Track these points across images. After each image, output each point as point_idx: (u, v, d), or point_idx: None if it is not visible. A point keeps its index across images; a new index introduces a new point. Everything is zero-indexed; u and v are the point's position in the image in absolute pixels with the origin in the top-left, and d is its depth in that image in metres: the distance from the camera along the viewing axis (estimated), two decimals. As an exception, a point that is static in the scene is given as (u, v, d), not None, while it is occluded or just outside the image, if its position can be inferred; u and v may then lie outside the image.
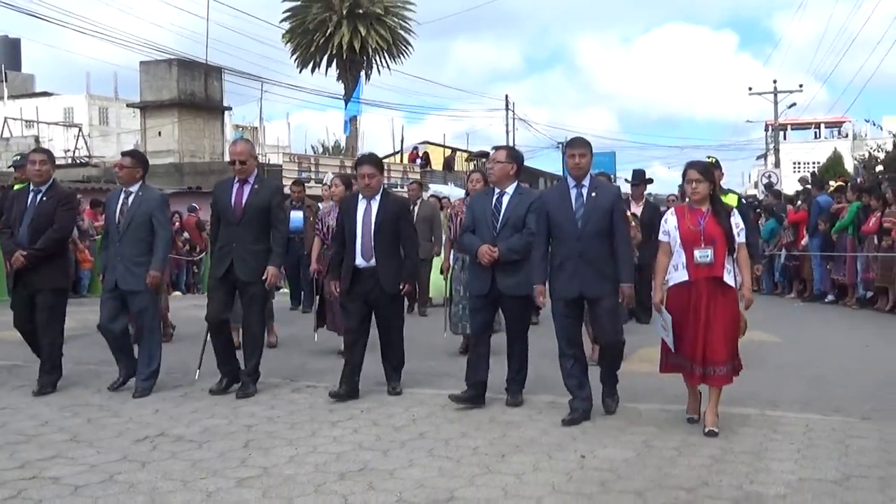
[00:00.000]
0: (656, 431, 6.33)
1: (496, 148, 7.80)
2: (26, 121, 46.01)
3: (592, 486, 5.13)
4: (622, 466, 5.50)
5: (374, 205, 7.57)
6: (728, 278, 6.22)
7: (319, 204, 13.15)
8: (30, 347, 8.11)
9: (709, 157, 8.67)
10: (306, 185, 16.33)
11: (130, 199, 7.75)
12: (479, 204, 7.47)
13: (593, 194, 6.68)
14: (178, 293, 19.95)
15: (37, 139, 34.72)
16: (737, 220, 6.34)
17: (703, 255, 6.18)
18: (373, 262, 7.49)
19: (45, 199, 7.73)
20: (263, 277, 7.56)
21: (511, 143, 52.25)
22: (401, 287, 7.55)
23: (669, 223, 6.44)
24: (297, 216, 12.39)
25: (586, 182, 6.73)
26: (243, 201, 7.65)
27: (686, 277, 6.26)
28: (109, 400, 7.41)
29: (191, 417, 6.84)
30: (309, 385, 8.04)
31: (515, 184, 7.31)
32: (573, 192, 6.73)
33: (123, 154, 8.40)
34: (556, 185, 7.34)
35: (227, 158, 37.80)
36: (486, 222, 7.19)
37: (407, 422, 6.69)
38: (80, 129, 41.83)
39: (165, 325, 10.59)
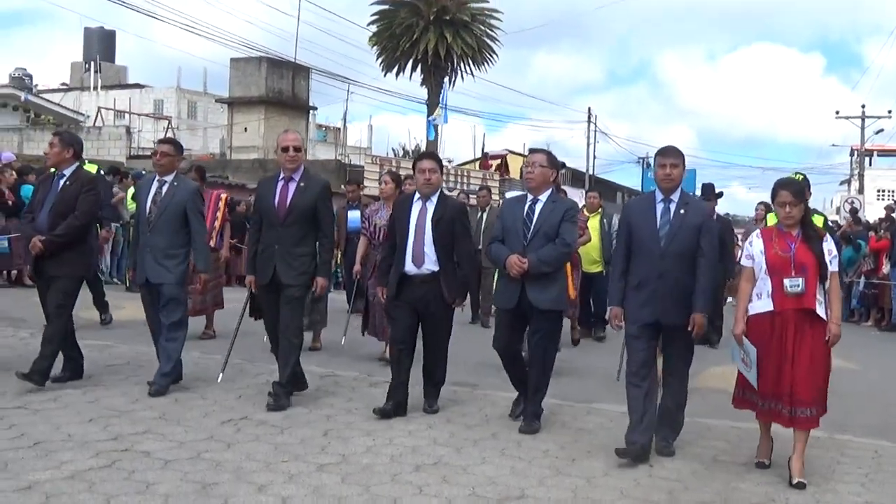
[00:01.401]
0: (726, 447, 6.43)
1: (533, 150, 7.23)
2: (117, 111, 47.35)
3: (660, 495, 5.26)
4: (690, 478, 5.61)
5: (430, 207, 7.05)
6: (820, 310, 5.63)
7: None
8: None
9: (797, 174, 8.19)
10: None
11: (164, 188, 7.47)
12: (509, 211, 6.98)
13: (682, 211, 6.06)
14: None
15: (128, 129, 35.69)
16: (829, 247, 5.79)
17: (793, 284, 5.60)
18: (424, 269, 6.98)
19: (68, 183, 7.39)
20: (313, 289, 7.22)
21: (592, 156, 52.21)
22: (452, 301, 7.09)
23: (755, 247, 5.86)
24: (354, 216, 12.01)
25: (675, 196, 6.12)
26: (287, 201, 7.10)
27: (770, 307, 5.68)
28: (195, 382, 7.69)
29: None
30: (386, 381, 8.25)
31: (550, 191, 6.82)
32: (659, 207, 6.14)
33: (161, 141, 8.12)
34: (643, 196, 6.67)
35: (315, 156, 38.36)
36: (517, 231, 6.70)
37: (480, 421, 6.87)
38: (169, 122, 42.93)
39: (209, 325, 10.50)
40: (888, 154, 67.68)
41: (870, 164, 59.80)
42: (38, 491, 4.78)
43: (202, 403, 6.98)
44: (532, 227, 6.66)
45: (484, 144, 44.92)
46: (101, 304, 11.05)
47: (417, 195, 7.16)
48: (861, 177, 49.41)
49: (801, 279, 5.60)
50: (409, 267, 6.97)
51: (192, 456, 5.57)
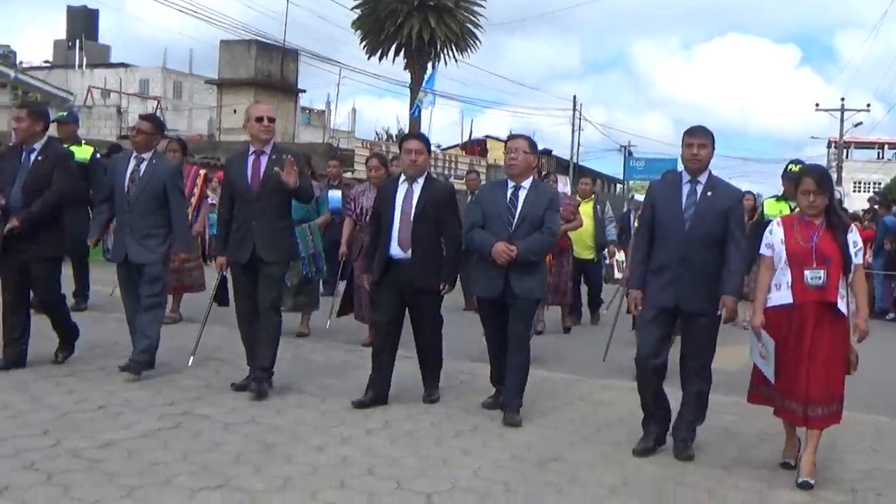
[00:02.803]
0: (737, 420, 6.87)
1: (515, 136, 6.95)
2: (103, 90, 47.33)
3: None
4: (706, 446, 6.05)
5: (417, 189, 6.80)
6: (842, 305, 5.36)
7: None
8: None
9: (794, 164, 8.04)
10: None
11: (143, 166, 7.21)
12: (490, 197, 6.74)
13: (709, 193, 5.80)
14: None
15: (119, 109, 35.80)
16: (854, 238, 5.47)
17: (814, 276, 5.31)
18: (409, 253, 6.72)
19: (40, 159, 7.10)
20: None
21: (577, 144, 52.68)
22: (440, 287, 6.83)
23: (775, 236, 5.55)
24: (335, 196, 11.33)
25: (703, 178, 5.85)
26: (261, 175, 6.81)
27: (790, 300, 5.40)
28: (231, 355, 8.02)
29: (309, 375, 7.58)
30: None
31: (532, 178, 6.68)
32: (685, 188, 5.86)
33: (142, 118, 7.80)
34: (669, 176, 6.57)
35: (300, 139, 38.42)
36: (501, 218, 6.50)
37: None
38: (158, 102, 43.01)
39: (174, 309, 9.86)
40: (865, 147, 68.77)
41: (847, 157, 60.75)
42: (119, 447, 5.20)
43: (240, 375, 7.27)
44: (517, 214, 6.50)
45: (472, 130, 45.17)
46: (82, 294, 10.40)
47: (403, 177, 6.91)
48: (839, 169, 50.22)
49: (822, 271, 5.30)
50: (395, 251, 6.74)
51: (248, 420, 6.00)
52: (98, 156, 10.43)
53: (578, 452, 5.75)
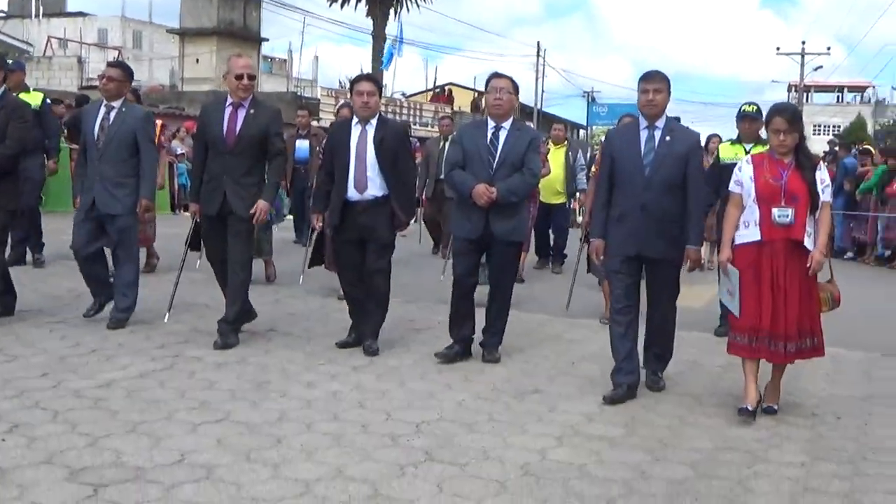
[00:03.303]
0: (700, 353, 7.21)
1: (498, 75, 6.79)
2: (60, 39, 46.72)
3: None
4: (677, 377, 6.39)
5: (370, 130, 6.69)
6: (808, 243, 5.39)
7: None
8: None
9: (749, 105, 7.97)
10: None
11: (112, 114, 7.11)
12: (469, 137, 6.65)
13: (667, 138, 5.77)
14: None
15: (80, 59, 35.42)
16: (822, 175, 5.50)
17: (782, 214, 5.35)
18: (367, 194, 6.66)
19: None
20: (252, 211, 6.68)
21: (541, 90, 52.78)
22: (403, 223, 6.90)
23: (744, 173, 5.55)
24: (302, 146, 11.49)
25: (661, 123, 5.82)
26: (237, 128, 6.68)
27: (758, 237, 5.43)
28: (214, 301, 8.20)
29: (291, 319, 7.83)
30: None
31: (512, 119, 6.61)
32: (643, 135, 5.82)
33: (110, 65, 7.63)
34: (626, 123, 6.58)
35: (262, 88, 38.19)
36: (481, 159, 6.45)
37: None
38: (119, 52, 42.52)
39: (150, 255, 10.02)
40: (825, 90, 69.47)
41: (807, 101, 61.41)
42: (118, 387, 5.43)
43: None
44: (497, 155, 6.44)
45: (436, 77, 45.14)
46: (37, 244, 10.17)
47: (356, 119, 6.78)
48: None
49: (790, 209, 5.34)
50: (352, 193, 6.65)
51: (239, 360, 6.25)
52: (49, 102, 10.28)
53: (556, 386, 6.04)
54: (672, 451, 4.80)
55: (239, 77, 6.70)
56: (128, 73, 7.45)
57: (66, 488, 3.87)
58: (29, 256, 9.94)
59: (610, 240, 5.89)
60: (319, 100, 31.06)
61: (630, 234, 5.76)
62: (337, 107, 10.09)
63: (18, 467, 4.07)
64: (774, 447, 4.96)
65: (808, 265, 5.35)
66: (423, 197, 12.69)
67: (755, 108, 7.88)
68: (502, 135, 6.49)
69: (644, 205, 5.71)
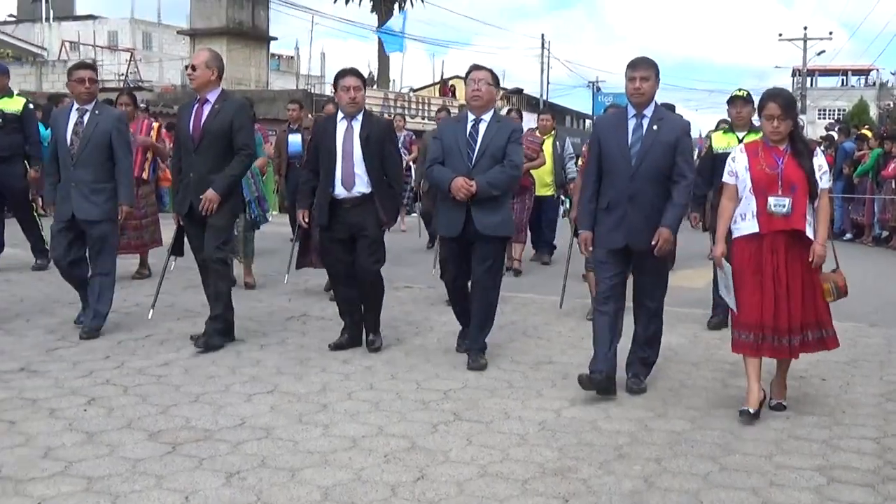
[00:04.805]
0: (701, 328, 7.82)
1: (477, 67, 6.58)
2: (71, 42, 47.35)
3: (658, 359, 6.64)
4: (678, 348, 7.01)
5: (356, 126, 6.59)
6: (809, 232, 5.21)
7: None
8: None
9: (739, 91, 7.89)
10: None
11: (86, 118, 6.88)
12: (449, 131, 6.56)
13: (655, 127, 5.63)
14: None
15: (94, 62, 35.95)
16: (820, 162, 5.31)
17: (778, 203, 5.16)
18: (355, 191, 6.56)
19: None
20: (201, 207, 6.51)
21: (546, 81, 53.26)
22: (388, 222, 6.74)
23: (738, 163, 5.37)
24: (295, 140, 11.03)
25: (648, 112, 5.68)
26: (201, 124, 6.57)
27: (756, 229, 5.24)
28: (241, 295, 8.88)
29: (323, 305, 8.44)
30: (408, 286, 9.57)
31: (493, 111, 6.48)
32: (631, 123, 5.69)
33: (84, 66, 7.31)
34: (614, 111, 6.43)
35: (272, 86, 38.61)
36: (460, 152, 6.32)
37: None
38: (132, 54, 43.16)
39: (142, 265, 9.82)
40: (829, 74, 69.84)
41: (811, 85, 61.81)
42: (176, 365, 6.12)
43: (257, 310, 8.21)
44: (477, 148, 6.31)
45: (443, 72, 45.67)
46: (41, 249, 10.15)
47: (341, 115, 6.69)
48: (804, 97, 51.24)
49: (787, 199, 5.15)
50: (339, 190, 6.56)
51: (279, 342, 6.96)
52: (31, 106, 10.24)
53: (567, 356, 6.70)
54: (672, 409, 5.44)
55: (186, 67, 6.48)
56: (97, 73, 7.31)
57: (148, 446, 4.52)
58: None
59: (598, 230, 5.79)
60: (330, 96, 31.55)
61: (618, 226, 5.67)
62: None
63: (104, 431, 4.72)
64: (764, 405, 5.53)
65: (809, 259, 5.20)
66: (421, 190, 12.63)
67: (745, 92, 7.82)
68: (482, 127, 6.37)
69: (631, 195, 5.62)
